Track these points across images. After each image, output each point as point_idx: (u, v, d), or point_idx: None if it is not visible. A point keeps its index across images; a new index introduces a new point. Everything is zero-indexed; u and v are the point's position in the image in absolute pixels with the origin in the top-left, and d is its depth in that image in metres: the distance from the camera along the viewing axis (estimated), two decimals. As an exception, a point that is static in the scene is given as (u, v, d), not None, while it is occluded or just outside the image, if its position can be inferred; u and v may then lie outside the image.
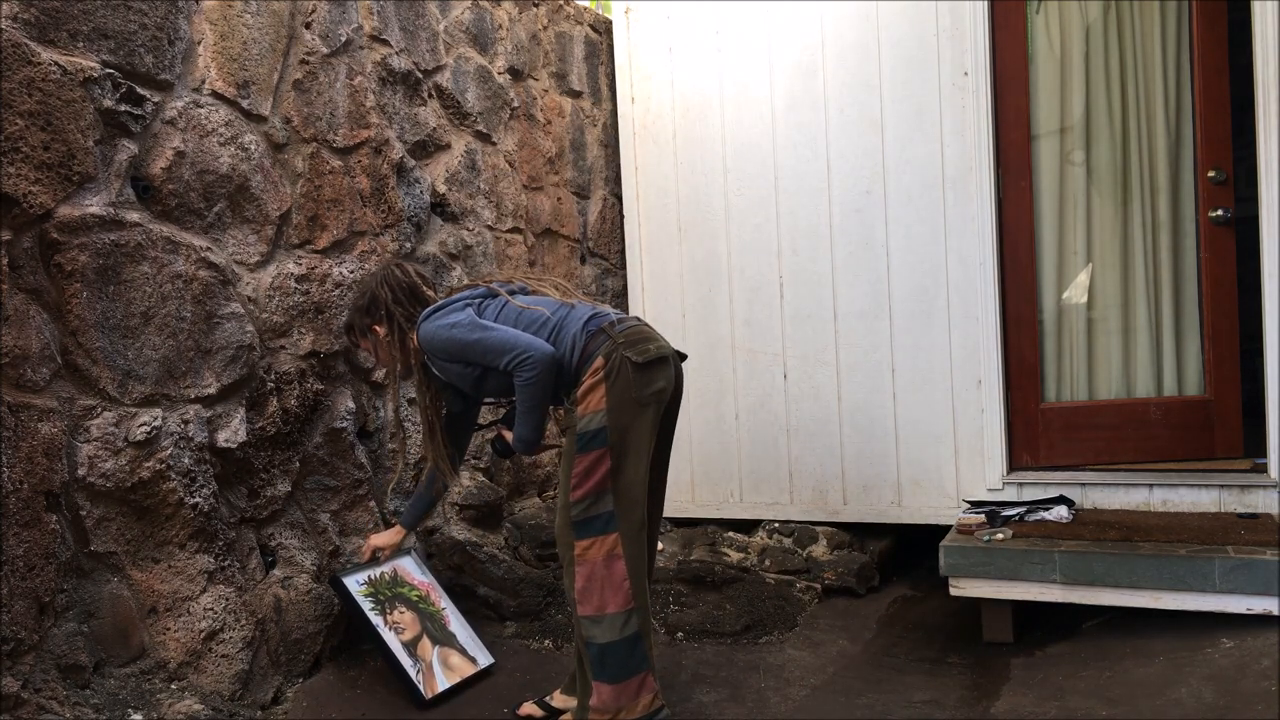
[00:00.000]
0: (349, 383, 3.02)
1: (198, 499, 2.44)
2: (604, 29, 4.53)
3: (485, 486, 3.55)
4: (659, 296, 4.27)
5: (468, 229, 3.62)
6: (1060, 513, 3.35)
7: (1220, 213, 3.45)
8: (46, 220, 2.16)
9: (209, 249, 2.55)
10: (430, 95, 3.45)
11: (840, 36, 3.87)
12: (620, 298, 4.49)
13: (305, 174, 2.88)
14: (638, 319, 2.60)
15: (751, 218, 4.06)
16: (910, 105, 3.76)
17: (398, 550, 2.96)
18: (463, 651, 2.91)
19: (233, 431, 2.57)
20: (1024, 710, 2.63)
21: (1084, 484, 3.51)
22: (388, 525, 3.04)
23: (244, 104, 2.66)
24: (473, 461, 3.56)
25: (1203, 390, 3.55)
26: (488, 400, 2.77)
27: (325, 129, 2.95)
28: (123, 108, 2.31)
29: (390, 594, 2.85)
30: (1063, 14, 3.62)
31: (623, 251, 4.46)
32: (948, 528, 3.48)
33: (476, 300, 2.57)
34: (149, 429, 2.33)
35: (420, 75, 3.38)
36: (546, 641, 3.15)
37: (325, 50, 2.95)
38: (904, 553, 3.99)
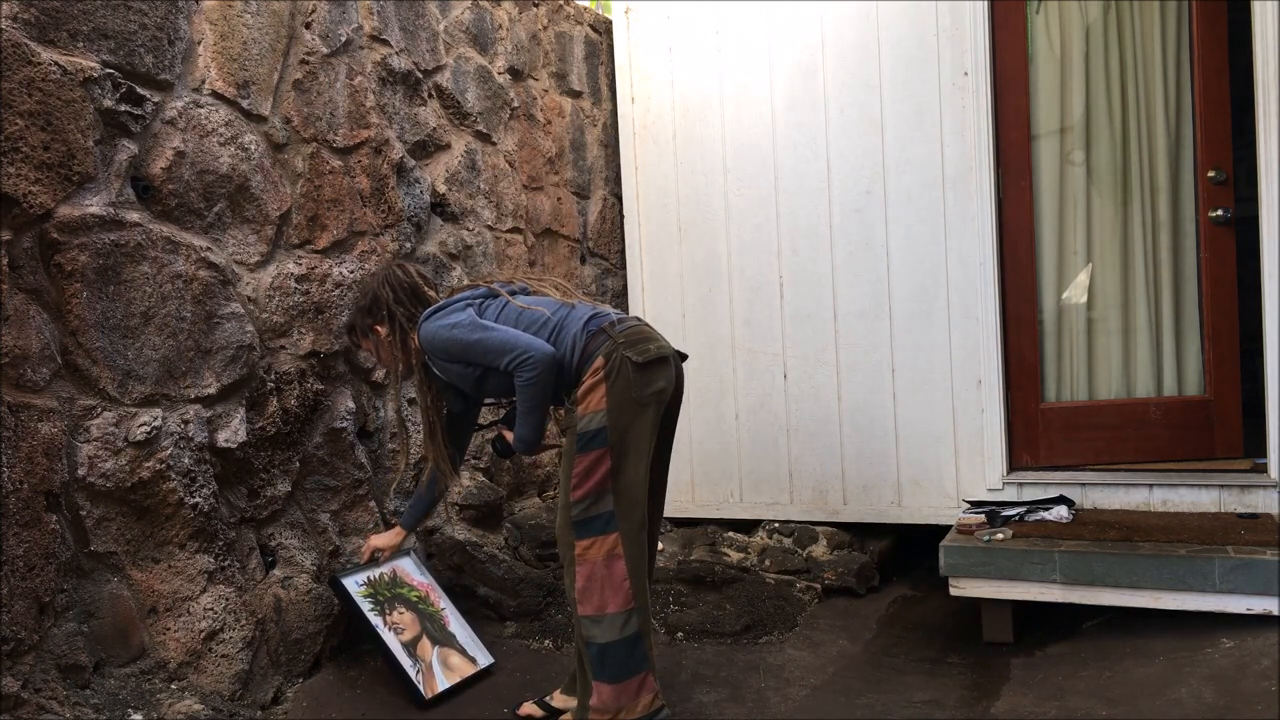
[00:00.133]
0: (349, 383, 3.02)
1: (198, 499, 2.44)
2: (604, 29, 4.53)
3: (485, 486, 3.55)
4: (659, 296, 4.27)
5: (468, 229, 3.62)
6: (1060, 513, 3.35)
7: (1220, 213, 3.45)
8: (46, 220, 2.16)
9: (209, 249, 2.55)
10: (430, 95, 3.45)
11: (840, 36, 3.87)
12: (620, 298, 4.49)
13: (305, 174, 2.88)
14: (638, 319, 2.60)
15: (751, 218, 4.06)
16: (910, 105, 3.76)
17: (397, 551, 2.96)
18: (462, 651, 2.91)
19: (233, 431, 2.57)
20: (1024, 710, 2.63)
21: (1084, 484, 3.51)
22: (388, 525, 3.04)
23: (244, 104, 2.66)
24: (473, 461, 3.56)
25: (1203, 390, 3.55)
26: (488, 400, 2.77)
27: (325, 129, 2.95)
28: (123, 108, 2.31)
29: (389, 595, 2.85)
30: (1063, 14, 3.62)
31: (623, 251, 4.47)
32: (948, 528, 3.48)
33: (477, 300, 2.57)
34: (149, 429, 2.33)
35: (420, 75, 3.38)
36: (546, 641, 3.15)
37: (325, 50, 2.95)
38: (904, 553, 3.99)
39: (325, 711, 2.58)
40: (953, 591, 3.17)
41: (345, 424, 2.95)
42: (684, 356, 2.61)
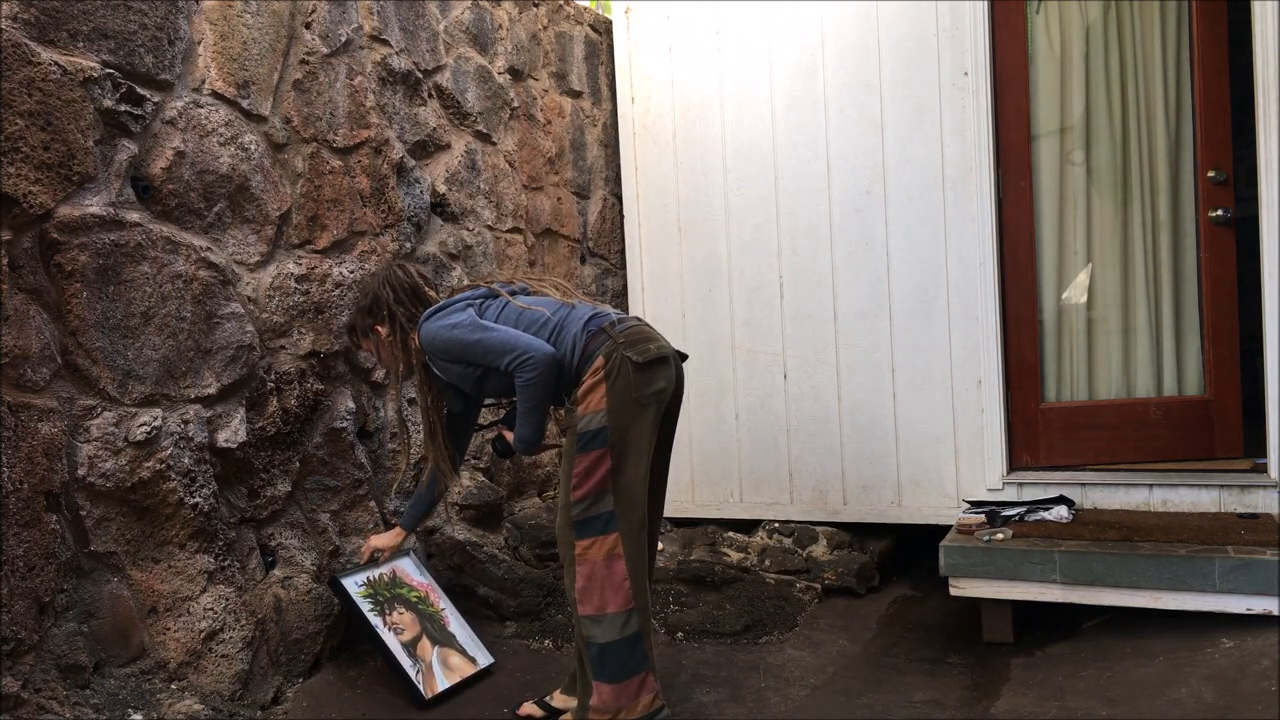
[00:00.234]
0: (349, 383, 3.02)
1: (198, 499, 2.44)
2: (604, 29, 4.53)
3: (485, 486, 3.55)
4: (659, 296, 4.27)
5: (468, 229, 3.62)
6: (1060, 513, 3.35)
7: (1220, 213, 3.45)
8: (46, 220, 2.15)
9: (209, 249, 2.55)
10: (430, 95, 3.45)
11: (840, 36, 3.87)
12: (620, 298, 4.49)
13: (305, 174, 2.88)
14: (638, 319, 2.60)
15: (751, 218, 4.06)
16: (910, 105, 3.76)
17: (397, 551, 2.96)
18: (462, 652, 2.91)
19: (233, 431, 2.57)
20: (1024, 710, 2.63)
21: (1084, 484, 3.51)
22: (388, 526, 3.04)
23: (244, 104, 2.66)
24: (473, 461, 3.56)
25: (1203, 390, 3.55)
26: (488, 401, 2.77)
27: (325, 129, 2.95)
28: (123, 108, 2.30)
29: (389, 595, 2.85)
30: (1063, 14, 3.62)
31: (623, 251, 4.47)
32: (948, 528, 3.48)
33: (477, 301, 2.58)
34: (149, 429, 2.33)
35: (420, 75, 3.38)
36: (546, 641, 3.15)
37: (325, 50, 2.95)
38: (904, 553, 3.99)
39: (325, 711, 2.58)
40: (953, 591, 3.17)
41: (345, 424, 2.95)
42: (684, 356, 2.61)
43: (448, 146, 3.54)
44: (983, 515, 3.39)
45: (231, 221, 2.64)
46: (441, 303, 2.60)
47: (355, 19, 3.08)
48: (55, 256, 2.18)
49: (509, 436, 2.62)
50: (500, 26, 3.84)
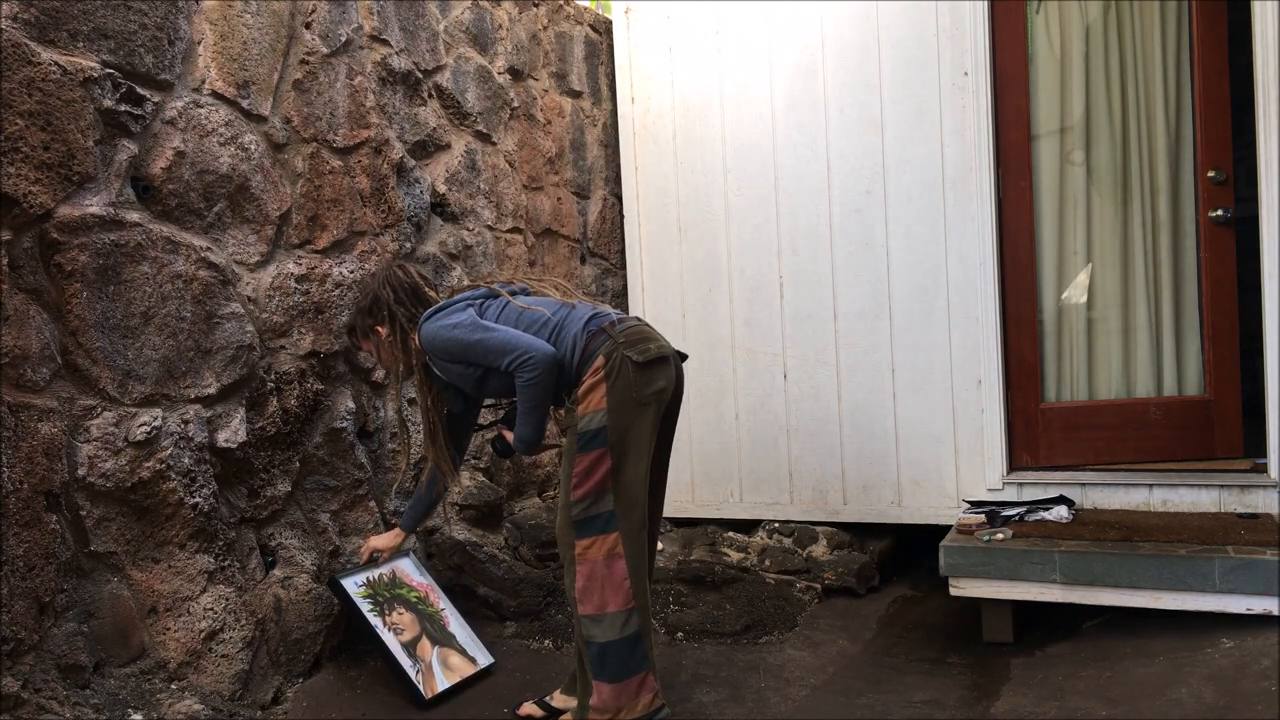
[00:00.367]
0: (349, 383, 3.02)
1: (198, 499, 2.44)
2: (604, 29, 4.53)
3: (485, 486, 3.55)
4: (659, 296, 4.27)
5: (468, 229, 3.62)
6: (1060, 513, 3.35)
7: (1220, 213, 3.45)
8: (46, 220, 2.15)
9: (209, 249, 2.55)
10: (430, 95, 3.45)
11: (840, 36, 3.87)
12: (620, 298, 4.49)
13: (305, 174, 2.88)
14: (638, 319, 2.60)
15: (751, 218, 4.06)
16: (910, 105, 3.76)
17: (397, 552, 2.96)
18: (462, 652, 2.91)
19: (233, 431, 2.57)
20: (1024, 710, 2.63)
21: (1084, 484, 3.51)
22: (388, 526, 3.04)
23: (244, 104, 2.66)
24: (473, 461, 3.56)
25: (1203, 390, 3.55)
26: (488, 401, 2.77)
27: (325, 129, 2.95)
28: (123, 108, 2.30)
29: (389, 595, 2.85)
30: (1063, 14, 3.62)
31: (623, 251, 4.47)
32: (948, 528, 3.48)
33: (478, 301, 2.58)
34: (149, 429, 2.33)
35: (420, 75, 3.38)
36: (546, 641, 3.15)
37: (325, 50, 2.95)
38: (904, 553, 3.99)
39: (325, 711, 2.58)
40: (953, 591, 3.17)
41: (345, 424, 2.95)
42: (684, 356, 2.61)
43: (448, 146, 3.54)
44: (983, 515, 3.39)
45: (231, 221, 2.64)
46: (441, 303, 2.60)
47: (355, 19, 3.08)
48: (55, 256, 2.18)
49: (509, 436, 2.62)
50: (500, 26, 3.84)
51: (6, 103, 2.06)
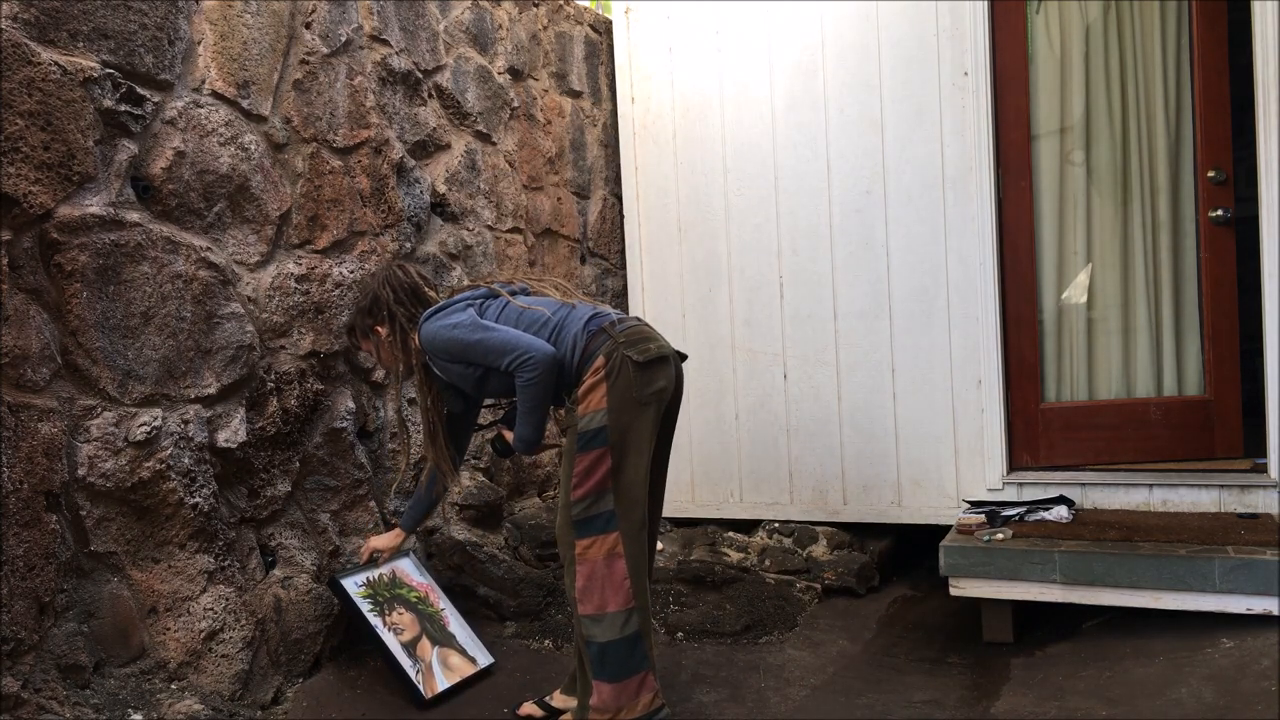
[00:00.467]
0: (349, 383, 3.02)
1: (198, 499, 2.44)
2: (604, 29, 4.53)
3: (485, 486, 3.55)
4: (659, 296, 4.27)
5: (468, 229, 3.62)
6: (1060, 513, 3.35)
7: (1220, 213, 3.45)
8: (46, 220, 2.15)
9: (209, 249, 2.55)
10: (430, 95, 3.45)
11: (840, 36, 3.87)
12: (620, 298, 4.49)
13: (305, 174, 2.88)
14: (638, 319, 2.60)
15: (751, 218, 4.06)
16: (910, 105, 3.76)
17: (397, 552, 2.96)
18: (462, 652, 2.91)
19: (233, 431, 2.57)
20: (1024, 710, 2.63)
21: (1084, 484, 3.51)
22: (388, 526, 3.04)
23: (244, 104, 2.66)
24: (473, 461, 3.56)
25: (1203, 390, 3.55)
26: (488, 401, 2.77)
27: (325, 129, 2.95)
28: (123, 108, 2.30)
29: (389, 595, 2.85)
30: (1063, 14, 3.62)
31: (623, 251, 4.47)
32: (948, 528, 3.48)
33: (478, 301, 2.58)
34: (149, 429, 2.33)
35: (420, 75, 3.38)
36: (546, 641, 3.15)
37: (325, 50, 2.95)
38: (904, 553, 3.99)
39: (325, 711, 2.58)
40: (953, 591, 3.17)
41: (345, 424, 2.95)
42: (684, 356, 2.61)
43: (448, 146, 3.55)
44: (983, 515, 3.39)
45: (231, 221, 2.64)
46: (441, 303, 2.60)
47: (355, 19, 3.08)
48: (55, 256, 2.18)
49: (509, 436, 2.62)
50: (500, 26, 3.84)
51: (6, 103, 2.06)
